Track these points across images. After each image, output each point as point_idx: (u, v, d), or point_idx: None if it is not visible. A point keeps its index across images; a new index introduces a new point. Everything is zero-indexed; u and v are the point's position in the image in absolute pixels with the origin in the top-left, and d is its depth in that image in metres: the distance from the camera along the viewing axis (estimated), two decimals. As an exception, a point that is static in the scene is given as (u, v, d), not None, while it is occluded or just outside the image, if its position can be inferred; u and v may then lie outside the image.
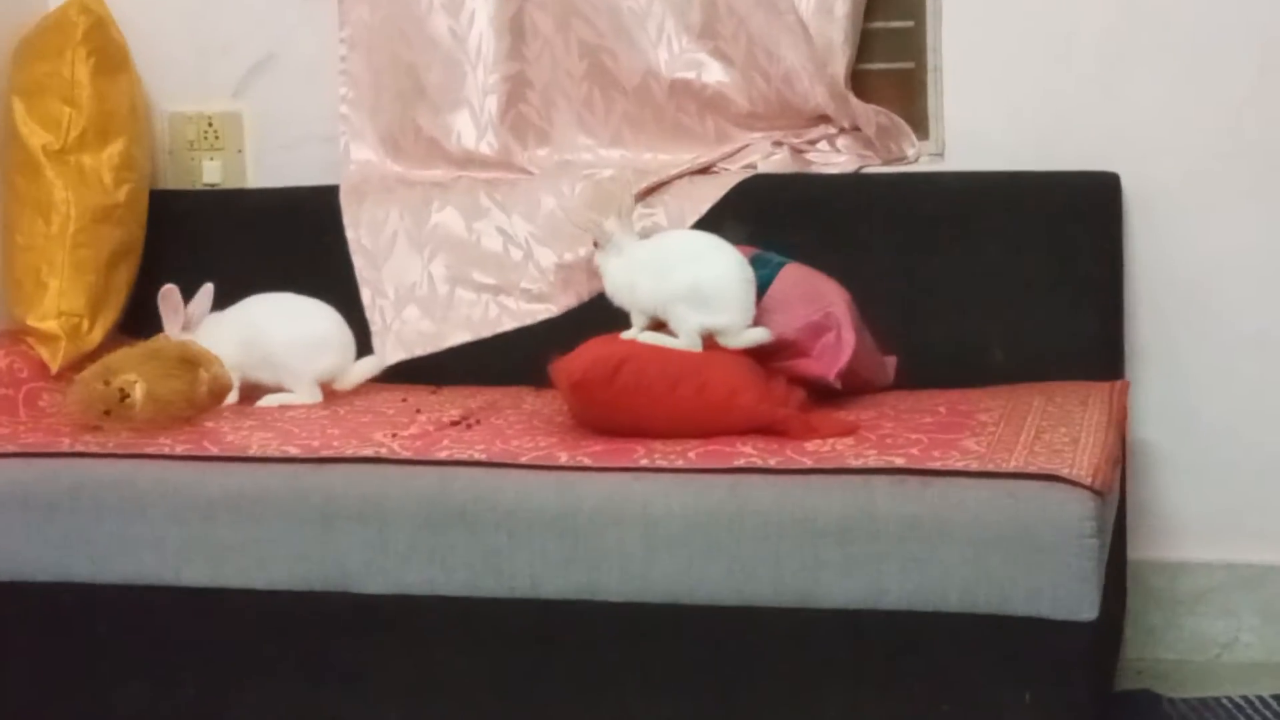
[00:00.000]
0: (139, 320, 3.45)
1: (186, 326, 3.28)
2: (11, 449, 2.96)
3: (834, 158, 3.49)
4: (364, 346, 3.41)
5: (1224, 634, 3.40)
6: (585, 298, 3.39)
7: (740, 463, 2.63)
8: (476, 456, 2.74)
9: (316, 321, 3.30)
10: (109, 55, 3.51)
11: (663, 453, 2.68)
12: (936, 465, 2.56)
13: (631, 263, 2.99)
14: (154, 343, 3.18)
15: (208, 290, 3.31)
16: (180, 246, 3.56)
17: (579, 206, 3.39)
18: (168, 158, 3.78)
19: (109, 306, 3.47)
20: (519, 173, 3.57)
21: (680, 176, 3.47)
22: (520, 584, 2.64)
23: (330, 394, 3.26)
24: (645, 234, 3.17)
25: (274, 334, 3.25)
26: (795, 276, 3.08)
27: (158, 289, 3.30)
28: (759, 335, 2.92)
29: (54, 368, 3.35)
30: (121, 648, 2.83)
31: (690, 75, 3.48)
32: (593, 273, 3.32)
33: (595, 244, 3.07)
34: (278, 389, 3.24)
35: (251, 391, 3.25)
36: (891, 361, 3.19)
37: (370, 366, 3.33)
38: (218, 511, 2.75)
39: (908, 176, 3.43)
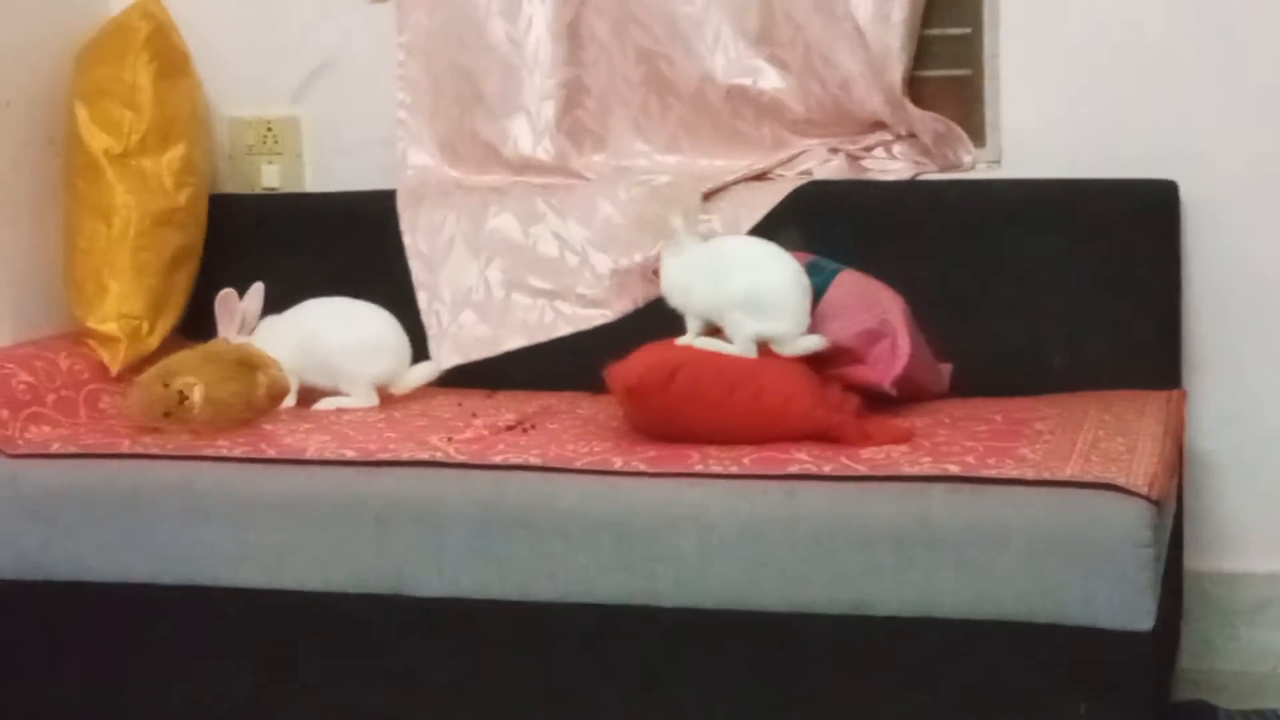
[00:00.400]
0: (198, 323, 3.47)
1: (242, 328, 3.30)
2: (72, 450, 2.98)
3: (890, 165, 3.48)
4: (420, 351, 3.42)
5: (1282, 645, 3.39)
6: (641, 303, 3.39)
7: (795, 469, 2.63)
8: (532, 461, 2.75)
9: (372, 325, 3.31)
10: (170, 60, 3.54)
11: (717, 458, 2.69)
12: (992, 473, 2.56)
13: (689, 265, 3.00)
14: (213, 345, 3.20)
15: (258, 289, 3.33)
16: (239, 250, 3.58)
17: (648, 201, 3.39)
18: (227, 162, 3.81)
19: (169, 309, 3.49)
20: (575, 178, 3.58)
21: (736, 182, 3.47)
22: (575, 588, 2.65)
23: (386, 398, 3.28)
24: (703, 238, 3.18)
25: (330, 337, 3.26)
26: (851, 283, 3.08)
27: (217, 292, 3.33)
28: (813, 342, 2.91)
29: (114, 370, 3.38)
30: (179, 647, 2.86)
31: (747, 81, 3.48)
32: (648, 278, 3.33)
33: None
34: (334, 392, 3.26)
35: (308, 394, 3.27)
36: (947, 369, 3.18)
37: (426, 372, 3.34)
38: (275, 514, 2.77)
39: (964, 184, 3.42)
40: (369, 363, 3.27)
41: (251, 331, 3.31)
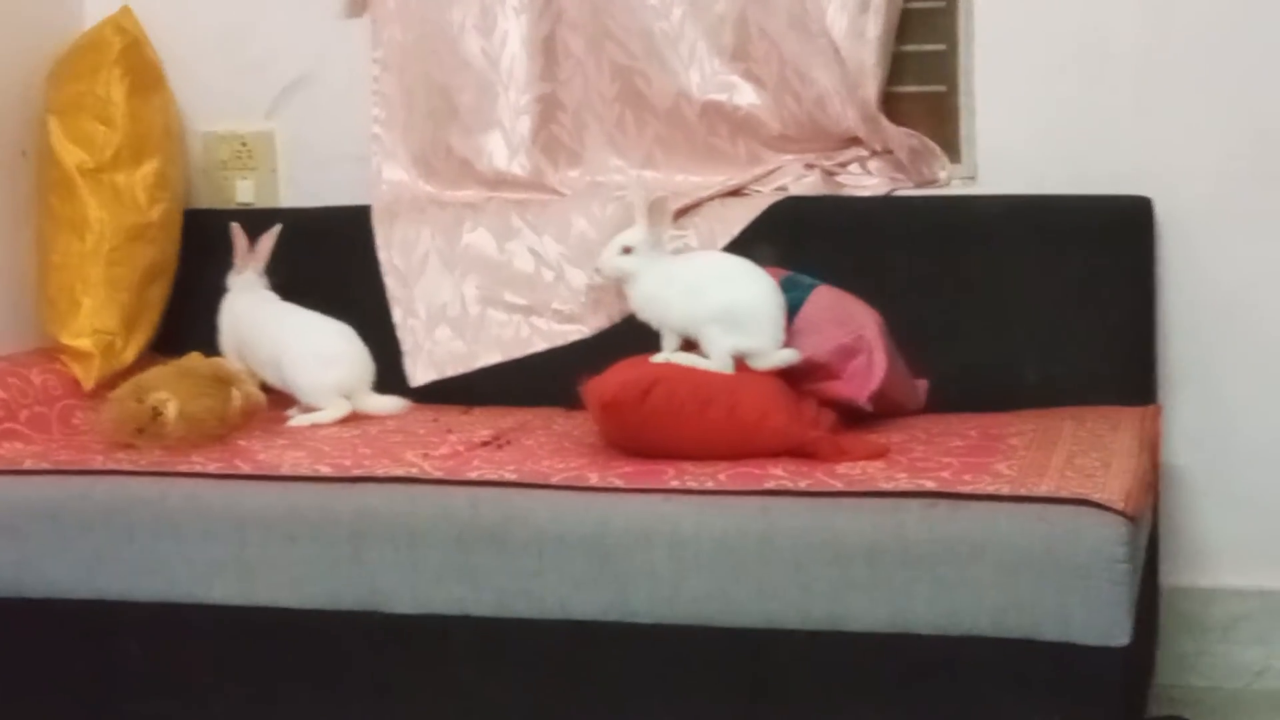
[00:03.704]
0: (172, 338, 3.47)
1: (252, 260, 3.40)
2: (45, 466, 2.97)
3: (865, 180, 3.49)
4: (394, 366, 3.42)
5: (1256, 661, 3.38)
6: (616, 319, 3.39)
7: (770, 485, 2.63)
8: (507, 477, 2.75)
9: (323, 336, 3.31)
10: (144, 75, 3.53)
11: (693, 474, 2.69)
12: (967, 489, 2.56)
13: (665, 279, 3.00)
14: (187, 361, 3.19)
15: (274, 231, 3.40)
16: (213, 265, 3.55)
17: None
18: (201, 177, 3.80)
19: (142, 325, 3.48)
20: (550, 194, 3.58)
21: (711, 198, 3.47)
22: (550, 604, 2.64)
23: (361, 413, 3.27)
24: (674, 253, 3.18)
25: (284, 349, 3.26)
26: (826, 299, 3.08)
27: (191, 308, 3.34)
28: (788, 356, 2.92)
29: (87, 385, 3.37)
30: (153, 665, 2.85)
31: (722, 97, 3.48)
32: (624, 294, 3.32)
33: (627, 249, 3.05)
34: (284, 390, 3.27)
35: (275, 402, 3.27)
36: (922, 384, 3.19)
37: (393, 404, 3.32)
38: (249, 530, 2.76)
39: (939, 199, 3.43)
40: (323, 372, 3.26)
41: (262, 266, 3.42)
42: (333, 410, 3.24)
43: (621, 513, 2.63)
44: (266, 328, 3.33)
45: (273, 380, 3.29)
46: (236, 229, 3.39)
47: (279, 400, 3.28)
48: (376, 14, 3.64)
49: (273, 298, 3.41)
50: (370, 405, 3.29)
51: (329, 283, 3.51)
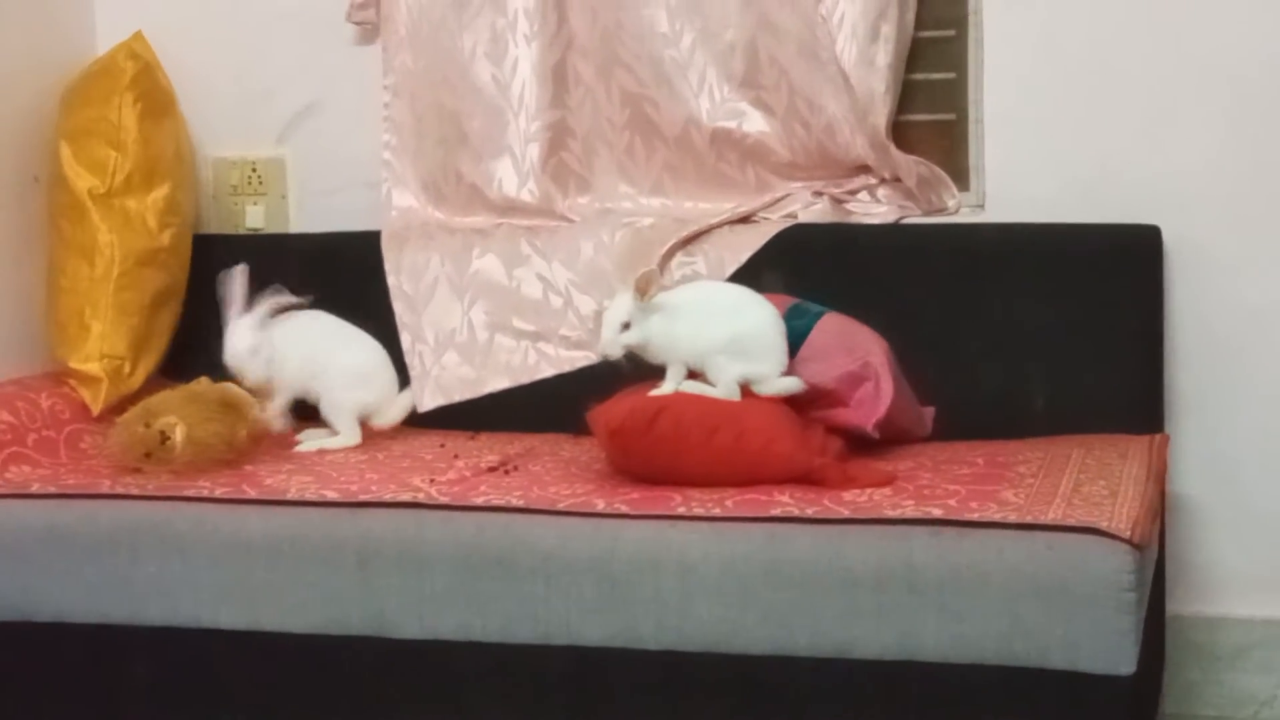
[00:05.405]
0: (180, 363, 3.47)
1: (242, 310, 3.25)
2: (52, 490, 2.97)
3: (874, 208, 3.49)
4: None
5: (1263, 690, 3.37)
6: (624, 346, 3.39)
7: (777, 512, 2.63)
8: (514, 503, 2.74)
9: (363, 354, 3.32)
10: (155, 100, 3.54)
11: (700, 501, 2.68)
12: (974, 516, 2.56)
13: (669, 317, 2.95)
14: (195, 386, 3.19)
15: (243, 270, 3.27)
16: (223, 291, 3.58)
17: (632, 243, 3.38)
18: (211, 202, 3.81)
19: (151, 349, 3.49)
20: (560, 220, 3.59)
21: (720, 225, 3.48)
22: (556, 631, 2.64)
23: (369, 439, 3.27)
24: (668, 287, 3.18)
25: (326, 359, 3.27)
26: (834, 326, 3.08)
27: (199, 333, 3.33)
28: (792, 384, 2.92)
29: (95, 410, 3.37)
30: (159, 689, 2.85)
31: (731, 124, 3.49)
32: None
33: (625, 325, 2.98)
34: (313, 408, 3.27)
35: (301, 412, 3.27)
36: (929, 412, 3.19)
37: (405, 401, 3.34)
38: (256, 555, 2.76)
39: (948, 227, 3.43)
40: (355, 390, 3.26)
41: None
42: (344, 437, 3.24)
43: (628, 539, 2.63)
44: (312, 342, 3.31)
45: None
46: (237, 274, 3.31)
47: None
48: (387, 41, 3.65)
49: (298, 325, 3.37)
50: (390, 417, 3.30)
51: (338, 308, 3.49)
